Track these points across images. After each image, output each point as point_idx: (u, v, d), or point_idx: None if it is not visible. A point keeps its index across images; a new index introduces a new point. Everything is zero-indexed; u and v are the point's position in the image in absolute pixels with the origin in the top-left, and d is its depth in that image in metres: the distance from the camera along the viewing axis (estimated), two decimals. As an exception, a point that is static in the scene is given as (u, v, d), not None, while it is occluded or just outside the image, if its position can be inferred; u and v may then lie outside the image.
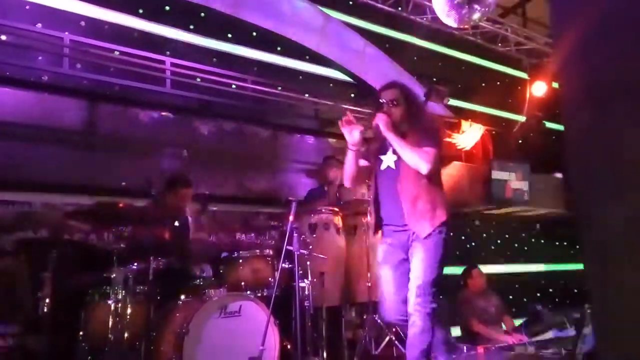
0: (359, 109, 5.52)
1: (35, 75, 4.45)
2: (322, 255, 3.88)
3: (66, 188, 4.28)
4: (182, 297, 3.37)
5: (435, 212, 2.71)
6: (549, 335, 4.90)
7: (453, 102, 6.94)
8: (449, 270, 6.62)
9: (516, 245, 7.97)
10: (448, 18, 5.02)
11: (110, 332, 3.09)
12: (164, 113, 4.95)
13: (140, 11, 5.12)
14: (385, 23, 6.90)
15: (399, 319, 2.74)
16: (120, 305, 3.15)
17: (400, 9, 6.58)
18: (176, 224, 4.03)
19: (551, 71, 7.66)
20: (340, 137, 5.90)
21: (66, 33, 4.58)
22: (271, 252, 3.83)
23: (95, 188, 4.30)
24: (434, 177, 2.77)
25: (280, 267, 3.19)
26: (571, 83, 1.16)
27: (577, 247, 8.21)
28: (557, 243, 8.40)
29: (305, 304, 3.71)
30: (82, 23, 4.81)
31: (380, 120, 2.73)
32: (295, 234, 3.25)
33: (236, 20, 5.57)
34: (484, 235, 7.64)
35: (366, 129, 2.95)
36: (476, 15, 4.96)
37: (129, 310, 3.18)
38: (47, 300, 3.30)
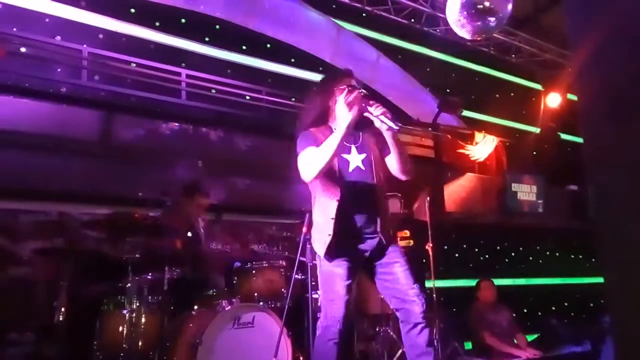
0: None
1: (53, 87, 4.54)
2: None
3: (82, 198, 4.34)
4: (196, 307, 3.37)
5: None
6: (565, 350, 4.83)
7: (466, 113, 6.93)
8: (460, 282, 6.65)
9: (530, 258, 7.88)
10: (462, 30, 5.01)
11: (124, 342, 3.11)
12: (179, 124, 5.00)
13: (157, 24, 5.21)
14: (398, 35, 6.93)
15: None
16: (134, 314, 3.17)
17: (413, 20, 6.61)
18: (189, 234, 4.05)
19: (566, 82, 7.62)
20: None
21: (84, 45, 4.67)
22: (284, 263, 3.83)
23: (111, 198, 4.35)
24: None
25: (293, 279, 3.19)
26: (591, 96, 1.15)
27: (593, 260, 8.11)
28: (572, 256, 8.30)
29: (318, 315, 3.69)
30: (100, 36, 4.90)
31: (381, 108, 2.37)
32: (308, 245, 3.25)
33: (251, 33, 5.63)
34: (498, 247, 7.58)
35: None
36: (490, 27, 4.96)
37: (143, 320, 3.19)
38: (63, 309, 3.33)
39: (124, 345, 3.10)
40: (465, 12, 4.84)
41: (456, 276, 6.71)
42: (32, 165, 4.13)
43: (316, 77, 6.19)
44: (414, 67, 6.83)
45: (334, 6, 6.23)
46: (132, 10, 5.09)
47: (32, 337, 3.63)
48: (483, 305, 5.16)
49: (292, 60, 6.05)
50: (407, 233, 4.72)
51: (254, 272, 3.72)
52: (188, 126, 5.05)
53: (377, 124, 2.43)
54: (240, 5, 5.54)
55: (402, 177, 2.58)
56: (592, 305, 7.82)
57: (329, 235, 2.49)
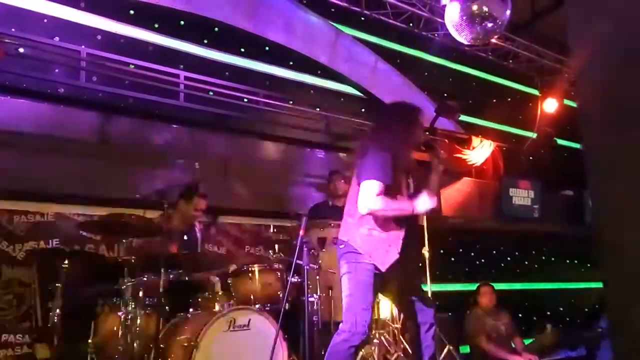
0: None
1: (51, 88, 4.53)
2: (331, 270, 3.87)
3: (79, 199, 4.33)
4: (192, 310, 3.37)
5: None
6: (560, 355, 4.84)
7: (464, 118, 6.94)
8: (456, 287, 6.65)
9: (526, 262, 7.89)
10: (460, 35, 5.03)
11: (119, 344, 3.10)
12: (177, 126, 5.00)
13: (156, 25, 5.20)
14: (396, 39, 6.94)
15: None
16: (130, 316, 3.16)
17: (412, 25, 6.62)
18: (185, 237, 4.06)
19: (563, 88, 7.65)
20: (350, 151, 5.92)
21: (83, 46, 4.66)
22: (280, 266, 3.83)
23: (108, 199, 4.35)
24: None
25: (289, 281, 3.19)
26: (591, 101, 1.16)
27: (589, 265, 8.13)
28: (567, 261, 8.32)
29: (314, 318, 3.69)
30: (99, 37, 4.89)
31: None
32: (305, 248, 3.25)
33: (249, 35, 5.64)
34: (494, 252, 7.59)
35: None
36: (488, 32, 4.98)
37: (138, 322, 3.18)
38: (58, 311, 3.31)
39: (119, 347, 3.09)
40: (463, 17, 4.86)
41: (452, 280, 6.72)
42: (28, 166, 4.12)
43: (314, 80, 6.22)
44: (411, 72, 6.85)
45: (333, 10, 6.24)
46: (131, 12, 5.09)
47: (27, 339, 3.61)
48: (483, 310, 5.16)
49: (290, 63, 6.06)
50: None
51: (250, 274, 3.71)
52: (186, 128, 5.05)
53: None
54: (240, 8, 5.55)
55: None
56: (587, 310, 7.84)
57: (398, 253, 2.69)
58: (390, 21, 6.48)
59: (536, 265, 7.99)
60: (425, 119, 2.97)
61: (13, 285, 3.97)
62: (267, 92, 5.61)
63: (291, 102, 5.80)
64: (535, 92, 8.28)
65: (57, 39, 4.63)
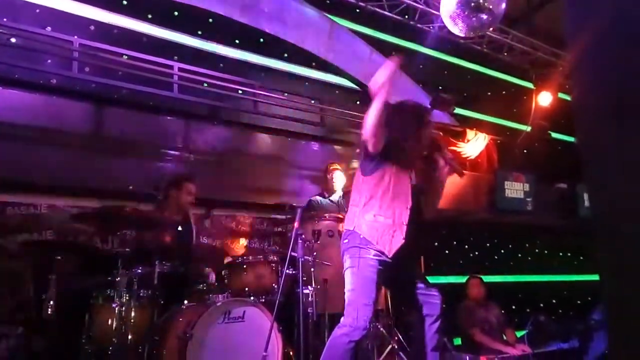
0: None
1: (44, 78, 4.49)
2: (326, 262, 3.88)
3: (72, 191, 4.30)
4: (186, 301, 3.37)
5: None
6: (552, 346, 4.87)
7: (458, 110, 6.95)
8: (450, 279, 6.69)
9: (520, 255, 7.94)
10: (455, 27, 5.02)
11: (114, 336, 3.09)
12: (170, 118, 4.97)
13: (149, 16, 5.16)
14: (392, 31, 6.93)
15: None
16: (124, 308, 3.15)
17: (407, 17, 6.61)
18: (179, 228, 4.04)
19: (557, 81, 7.66)
20: (345, 144, 5.93)
21: (75, 37, 4.62)
22: (275, 258, 3.83)
23: (101, 191, 4.32)
24: None
25: (284, 273, 3.19)
26: (587, 93, 1.15)
27: (581, 257, 8.19)
28: (560, 253, 8.37)
29: (309, 310, 3.70)
30: (92, 27, 4.85)
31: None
32: (299, 241, 3.25)
33: (244, 27, 5.61)
34: (488, 244, 7.63)
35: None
36: (483, 25, 4.97)
37: (133, 314, 3.18)
38: (52, 303, 3.30)
39: (114, 339, 3.09)
40: (459, 10, 4.85)
41: (446, 273, 6.75)
42: (21, 157, 4.09)
43: (309, 72, 6.20)
44: (407, 64, 6.84)
45: (328, 1, 6.22)
46: (124, 2, 5.04)
47: (21, 331, 3.60)
48: (472, 303, 5.20)
49: (285, 55, 6.03)
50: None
51: (244, 266, 3.71)
52: (180, 120, 5.02)
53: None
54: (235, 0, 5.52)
55: None
56: (579, 302, 7.90)
57: (403, 239, 2.72)
58: (386, 13, 6.46)
59: (529, 258, 8.04)
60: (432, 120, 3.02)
61: (6, 277, 3.95)
62: (262, 84, 5.59)
63: (286, 94, 5.78)
64: (530, 85, 8.30)
65: (49, 29, 4.59)
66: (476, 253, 7.38)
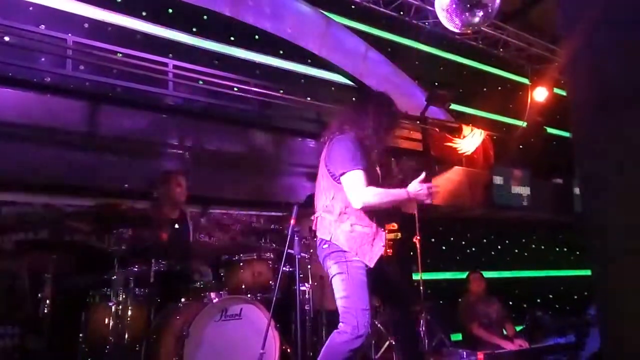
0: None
1: (38, 77, 4.45)
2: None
3: (67, 189, 4.28)
4: (183, 299, 3.36)
5: None
6: (549, 341, 4.88)
7: (454, 106, 6.95)
8: (447, 275, 6.70)
9: (516, 250, 7.96)
10: (450, 23, 5.02)
11: (110, 334, 3.09)
12: (165, 115, 4.95)
13: (144, 13, 5.13)
14: (387, 27, 6.91)
15: None
16: (120, 307, 3.15)
17: (402, 13, 6.60)
18: (176, 226, 4.03)
19: (553, 77, 7.67)
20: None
21: (69, 35, 4.59)
22: (272, 256, 3.83)
23: (96, 190, 4.30)
24: None
25: (281, 271, 3.19)
26: (581, 88, 1.15)
27: (578, 253, 8.22)
28: (557, 249, 8.40)
29: (306, 307, 3.70)
30: (86, 25, 4.82)
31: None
32: (296, 238, 3.24)
33: (239, 23, 5.58)
34: (484, 240, 7.64)
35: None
36: (478, 20, 4.97)
37: (129, 313, 3.17)
38: (48, 302, 3.30)
39: (110, 338, 3.08)
40: (454, 5, 4.84)
41: (443, 269, 6.77)
42: (15, 156, 4.06)
43: (304, 69, 6.18)
44: (402, 60, 6.83)
45: (323, -2, 6.21)
46: (118, 0, 5.02)
47: (17, 330, 3.59)
48: (473, 297, 5.22)
49: (281, 52, 6.02)
50: (394, 226, 4.73)
51: (241, 264, 3.72)
52: (175, 117, 5.00)
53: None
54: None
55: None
56: (576, 297, 7.93)
57: (383, 246, 2.61)
58: (381, 9, 6.45)
59: (526, 253, 8.06)
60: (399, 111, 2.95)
61: (2, 276, 3.93)
62: (257, 81, 5.57)
63: (281, 91, 5.76)
64: (526, 80, 8.31)
65: (43, 27, 4.55)
66: (473, 249, 7.40)
